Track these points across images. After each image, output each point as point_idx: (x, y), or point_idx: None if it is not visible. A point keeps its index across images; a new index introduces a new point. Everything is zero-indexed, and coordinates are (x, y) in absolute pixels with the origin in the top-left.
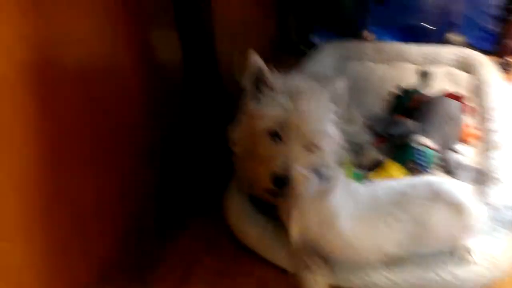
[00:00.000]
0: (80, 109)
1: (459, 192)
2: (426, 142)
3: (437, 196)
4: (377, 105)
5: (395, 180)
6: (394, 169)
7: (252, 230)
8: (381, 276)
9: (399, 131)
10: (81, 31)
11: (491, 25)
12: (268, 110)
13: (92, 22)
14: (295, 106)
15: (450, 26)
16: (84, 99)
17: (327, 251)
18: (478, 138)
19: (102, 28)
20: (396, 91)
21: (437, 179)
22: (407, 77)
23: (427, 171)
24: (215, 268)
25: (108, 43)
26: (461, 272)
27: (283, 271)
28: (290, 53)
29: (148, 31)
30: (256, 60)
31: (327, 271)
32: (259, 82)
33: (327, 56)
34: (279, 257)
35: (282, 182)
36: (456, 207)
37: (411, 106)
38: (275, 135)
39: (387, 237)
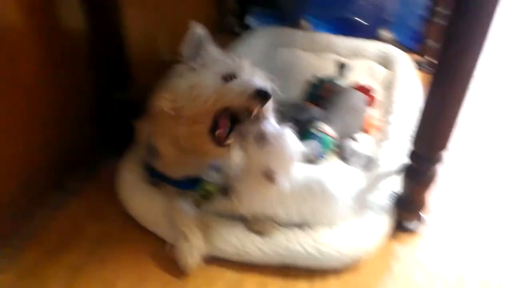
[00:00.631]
0: None
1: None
2: (325, 129)
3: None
4: (298, 92)
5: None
6: None
7: (137, 200)
8: (253, 246)
9: (304, 117)
10: None
11: (418, 25)
12: (221, 60)
13: None
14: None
15: (382, 22)
16: None
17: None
18: (379, 129)
19: None
20: (312, 80)
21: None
22: (331, 67)
23: (322, 157)
24: (96, 236)
25: None
26: (325, 248)
27: (164, 242)
28: (224, 33)
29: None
30: (198, 29)
31: (202, 241)
32: (198, 50)
33: (259, 40)
34: (160, 228)
35: (265, 93)
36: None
37: (322, 95)
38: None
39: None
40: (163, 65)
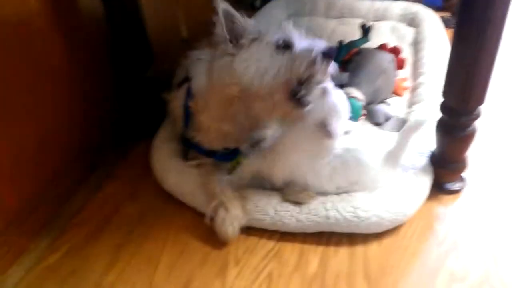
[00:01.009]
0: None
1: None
2: (354, 94)
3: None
4: None
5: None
6: None
7: (172, 175)
8: (290, 215)
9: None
10: None
11: None
12: (266, 31)
13: None
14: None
15: None
16: None
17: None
18: (411, 90)
19: None
20: (337, 45)
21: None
22: (356, 32)
23: (354, 122)
24: (135, 215)
25: None
26: (363, 212)
27: (203, 217)
28: (244, 8)
29: None
30: (224, 5)
31: (241, 212)
32: (233, 26)
33: (279, 10)
34: (198, 202)
35: (329, 54)
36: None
37: (348, 59)
38: (283, 47)
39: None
40: (182, 43)
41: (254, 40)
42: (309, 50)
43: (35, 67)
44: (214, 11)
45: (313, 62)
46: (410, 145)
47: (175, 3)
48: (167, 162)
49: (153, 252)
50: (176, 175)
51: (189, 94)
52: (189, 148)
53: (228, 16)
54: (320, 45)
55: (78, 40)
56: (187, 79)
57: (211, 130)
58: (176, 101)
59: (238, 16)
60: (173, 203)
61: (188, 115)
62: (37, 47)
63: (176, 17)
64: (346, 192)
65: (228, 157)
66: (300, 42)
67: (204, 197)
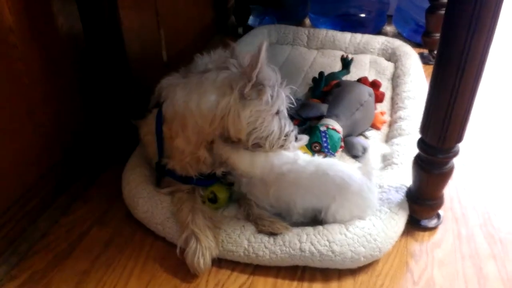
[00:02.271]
0: None
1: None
2: (334, 125)
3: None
4: (303, 89)
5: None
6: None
7: (143, 203)
8: (264, 247)
9: (311, 114)
10: None
11: (422, 18)
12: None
13: None
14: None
15: (385, 17)
16: None
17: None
18: (389, 124)
19: None
20: (317, 76)
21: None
22: (337, 64)
23: (332, 155)
24: (103, 241)
25: None
26: (337, 247)
27: (173, 247)
28: (226, 35)
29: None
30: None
31: (213, 243)
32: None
33: (260, 38)
34: (169, 232)
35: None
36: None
37: (327, 90)
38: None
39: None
40: (163, 65)
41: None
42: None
43: (8, 84)
44: (227, 45)
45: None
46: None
47: (157, 27)
48: (138, 189)
49: (120, 281)
50: (147, 202)
51: (159, 119)
52: (162, 175)
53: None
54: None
55: (53, 59)
56: (158, 105)
57: (186, 154)
58: (146, 127)
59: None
60: (143, 230)
61: (161, 140)
62: (10, 64)
63: (158, 41)
64: (323, 217)
65: (207, 182)
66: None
67: (175, 226)
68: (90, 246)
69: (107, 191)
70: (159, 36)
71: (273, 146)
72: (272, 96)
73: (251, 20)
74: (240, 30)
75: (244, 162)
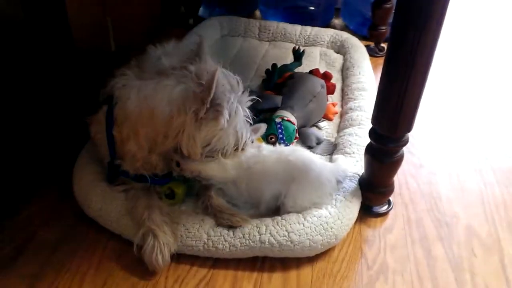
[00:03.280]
0: None
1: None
2: (289, 117)
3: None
4: (256, 81)
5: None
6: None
7: (96, 200)
8: (221, 239)
9: (266, 106)
10: None
11: (369, 12)
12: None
13: None
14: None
15: (333, 10)
16: None
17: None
18: (340, 115)
19: None
20: (270, 68)
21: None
22: (288, 56)
23: (287, 145)
24: (53, 243)
25: None
26: (296, 237)
27: (129, 245)
28: (177, 26)
29: None
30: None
31: (171, 238)
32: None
33: (212, 30)
34: (125, 229)
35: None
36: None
37: (280, 82)
38: None
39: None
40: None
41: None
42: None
43: None
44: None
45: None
46: None
47: (103, 15)
48: (90, 186)
49: (73, 283)
50: (101, 200)
51: (110, 121)
52: (115, 176)
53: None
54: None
55: None
56: (109, 99)
57: (138, 158)
58: (97, 125)
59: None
60: (96, 228)
61: (112, 142)
62: None
63: (105, 29)
64: (283, 204)
65: (162, 181)
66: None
67: (131, 223)
68: (39, 248)
69: (56, 189)
70: (107, 24)
71: (226, 154)
72: (230, 115)
73: (201, 11)
74: (190, 21)
75: (217, 170)
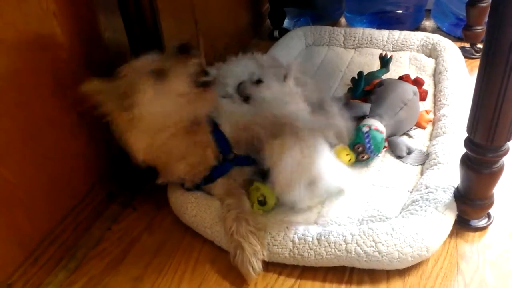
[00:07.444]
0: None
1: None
2: (377, 126)
3: None
4: (341, 90)
5: None
6: (342, 152)
7: (190, 208)
8: (307, 247)
9: (353, 115)
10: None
11: (462, 12)
12: None
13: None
14: None
15: (424, 12)
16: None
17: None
18: (433, 122)
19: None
20: (357, 76)
21: None
22: (376, 62)
23: (375, 155)
24: (153, 247)
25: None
26: (384, 247)
27: (222, 250)
28: (262, 38)
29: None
30: None
31: (259, 247)
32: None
33: (297, 41)
34: (218, 235)
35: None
36: None
37: (368, 90)
38: None
39: None
40: None
41: None
42: None
43: (61, 99)
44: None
45: None
46: None
47: (196, 35)
48: (185, 195)
49: (171, 285)
50: (196, 207)
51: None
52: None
53: None
54: None
55: (100, 72)
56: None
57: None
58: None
59: None
60: (190, 234)
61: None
62: (60, 80)
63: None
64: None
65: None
66: None
67: (223, 231)
68: (140, 252)
69: (154, 197)
70: (198, 45)
71: None
72: None
73: (286, 22)
74: (275, 33)
75: None
